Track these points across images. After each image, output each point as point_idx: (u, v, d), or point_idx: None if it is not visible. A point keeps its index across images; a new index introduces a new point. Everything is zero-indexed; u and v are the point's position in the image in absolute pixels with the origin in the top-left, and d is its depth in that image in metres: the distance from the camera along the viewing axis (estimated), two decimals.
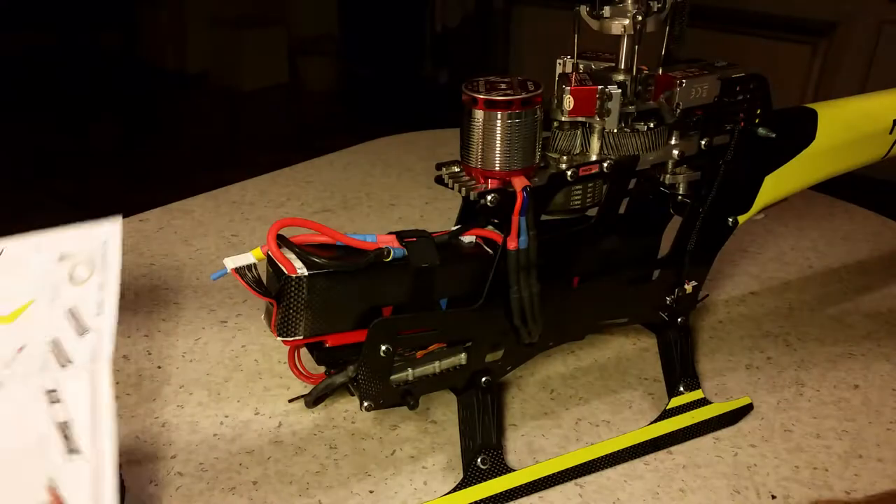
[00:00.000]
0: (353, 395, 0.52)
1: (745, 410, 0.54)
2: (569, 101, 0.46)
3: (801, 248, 0.79)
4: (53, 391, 0.32)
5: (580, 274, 0.52)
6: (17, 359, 0.32)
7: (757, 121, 0.53)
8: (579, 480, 0.49)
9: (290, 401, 0.55)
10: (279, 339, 0.47)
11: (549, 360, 0.60)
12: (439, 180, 0.48)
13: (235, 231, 0.80)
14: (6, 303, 0.33)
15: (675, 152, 0.50)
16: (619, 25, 0.47)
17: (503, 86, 0.47)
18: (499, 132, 0.44)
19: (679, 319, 0.56)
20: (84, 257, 0.35)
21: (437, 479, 0.49)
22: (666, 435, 0.52)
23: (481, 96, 0.44)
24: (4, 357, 0.32)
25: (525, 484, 0.48)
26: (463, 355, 0.49)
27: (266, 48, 2.96)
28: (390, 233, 0.48)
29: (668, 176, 0.52)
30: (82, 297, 0.34)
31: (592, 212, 0.50)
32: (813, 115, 0.57)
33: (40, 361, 0.32)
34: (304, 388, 0.54)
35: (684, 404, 0.54)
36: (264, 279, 0.47)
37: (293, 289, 0.45)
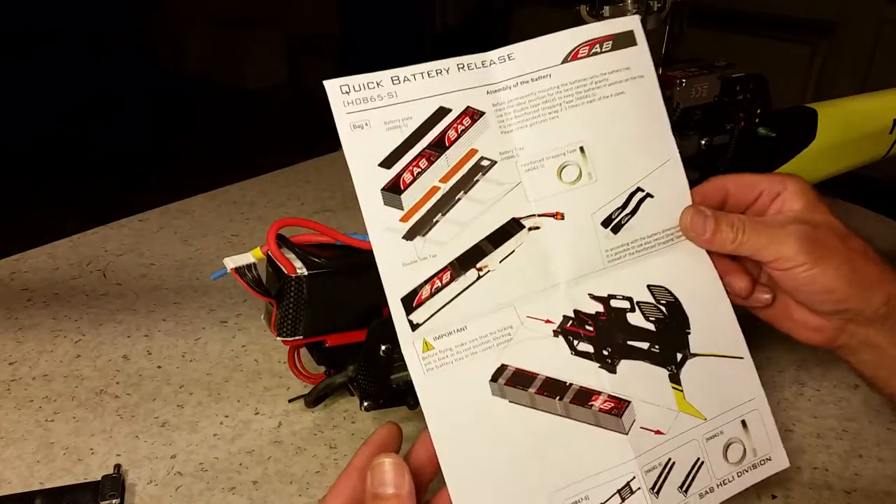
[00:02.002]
0: (353, 395, 0.52)
1: None
2: None
3: None
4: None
5: None
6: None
7: (757, 120, 0.53)
8: None
9: (290, 401, 0.55)
10: (279, 339, 0.47)
11: None
12: None
13: (235, 231, 0.80)
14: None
15: None
16: None
17: None
18: None
19: None
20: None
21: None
22: None
23: None
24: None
25: None
26: None
27: (266, 48, 2.96)
28: None
29: None
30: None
31: None
32: (813, 115, 0.57)
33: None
34: (304, 388, 0.54)
35: None
36: (264, 279, 0.47)
37: (293, 289, 0.45)
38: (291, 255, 0.45)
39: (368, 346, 0.47)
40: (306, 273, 0.45)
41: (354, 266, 0.46)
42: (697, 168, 0.52)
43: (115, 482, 0.46)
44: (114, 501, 0.45)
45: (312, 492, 0.48)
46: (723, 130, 0.52)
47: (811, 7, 1.98)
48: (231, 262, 0.46)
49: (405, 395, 0.49)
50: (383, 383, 0.48)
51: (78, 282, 0.70)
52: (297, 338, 0.47)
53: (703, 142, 0.51)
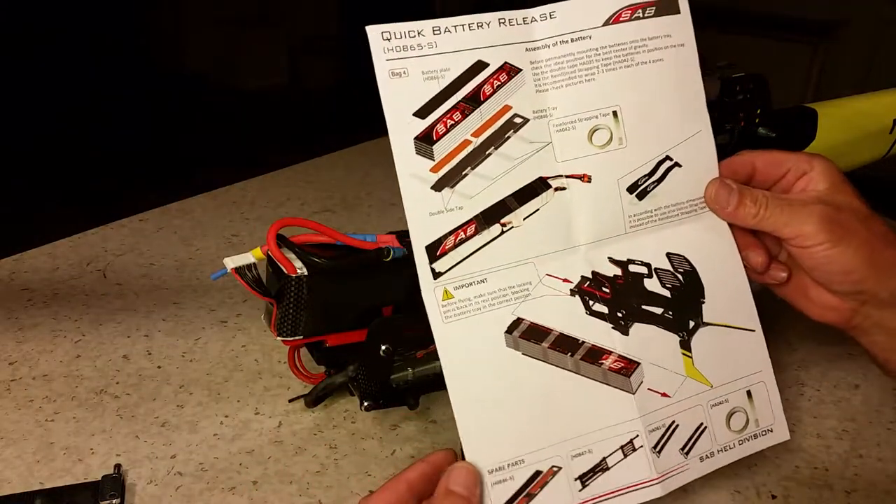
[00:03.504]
0: (353, 395, 0.52)
1: None
2: None
3: None
4: None
5: None
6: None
7: (757, 120, 0.53)
8: None
9: (290, 401, 0.55)
10: (279, 339, 0.47)
11: None
12: None
13: (235, 231, 0.80)
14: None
15: None
16: None
17: None
18: None
19: None
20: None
21: None
22: None
23: None
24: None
25: None
26: None
27: (266, 48, 2.95)
28: (390, 232, 0.48)
29: None
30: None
31: None
32: (813, 115, 0.57)
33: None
34: (304, 388, 0.54)
35: None
36: (264, 279, 0.47)
37: (293, 288, 0.45)
38: (291, 255, 0.45)
39: (368, 346, 0.47)
40: (306, 273, 0.45)
41: (354, 266, 0.46)
42: None
43: (115, 482, 0.46)
44: (114, 501, 0.45)
45: (312, 492, 0.48)
46: (723, 130, 0.52)
47: (811, 7, 1.98)
48: (231, 262, 0.46)
49: (405, 395, 0.49)
50: (383, 383, 0.48)
51: (78, 282, 0.70)
52: (297, 338, 0.47)
53: None
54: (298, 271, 0.45)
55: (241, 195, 0.89)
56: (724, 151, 0.52)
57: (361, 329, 0.47)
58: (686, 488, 0.47)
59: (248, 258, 0.46)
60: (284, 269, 0.45)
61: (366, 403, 0.48)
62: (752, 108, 0.52)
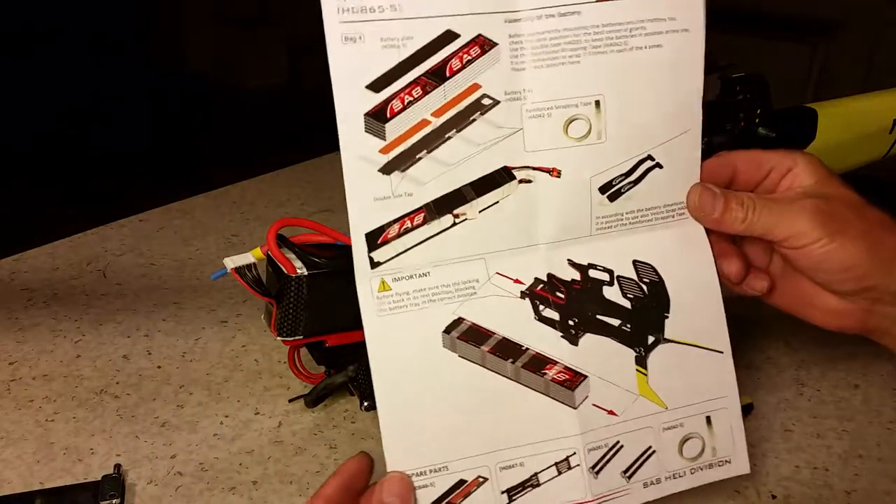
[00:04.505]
0: (353, 395, 0.52)
1: (746, 410, 0.54)
2: None
3: None
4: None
5: None
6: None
7: (757, 120, 0.53)
8: None
9: (291, 401, 0.55)
10: (279, 338, 0.47)
11: None
12: None
13: (235, 231, 0.80)
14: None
15: None
16: None
17: None
18: None
19: None
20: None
21: None
22: None
23: None
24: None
25: None
26: None
27: (266, 48, 2.95)
28: None
29: None
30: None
31: None
32: (813, 115, 0.57)
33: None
34: (304, 388, 0.54)
35: None
36: (264, 279, 0.47)
37: (293, 288, 0.45)
38: (291, 255, 0.45)
39: None
40: (306, 273, 0.45)
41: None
42: None
43: (115, 482, 0.46)
44: (114, 501, 0.45)
45: (312, 492, 0.47)
46: (723, 130, 0.52)
47: (811, 7, 1.98)
48: (231, 262, 0.46)
49: None
50: None
51: (78, 282, 0.70)
52: (297, 338, 0.47)
53: (702, 142, 0.51)
54: (298, 271, 0.45)
55: (241, 195, 0.89)
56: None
57: (361, 329, 0.47)
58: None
59: (248, 258, 0.46)
60: (284, 269, 0.45)
61: (366, 403, 0.48)
62: (752, 108, 0.52)
